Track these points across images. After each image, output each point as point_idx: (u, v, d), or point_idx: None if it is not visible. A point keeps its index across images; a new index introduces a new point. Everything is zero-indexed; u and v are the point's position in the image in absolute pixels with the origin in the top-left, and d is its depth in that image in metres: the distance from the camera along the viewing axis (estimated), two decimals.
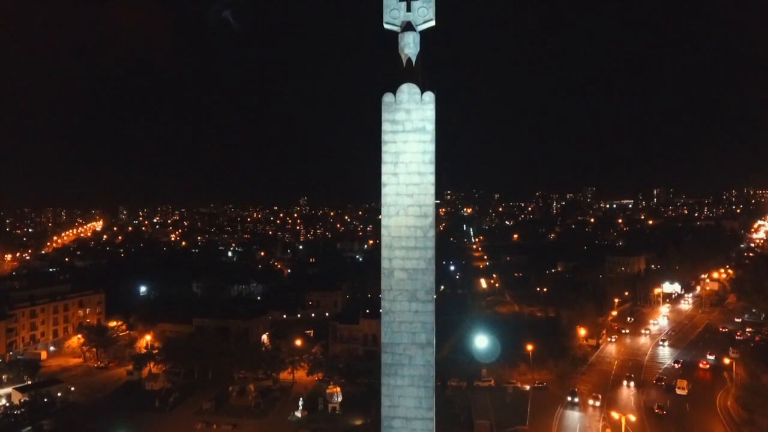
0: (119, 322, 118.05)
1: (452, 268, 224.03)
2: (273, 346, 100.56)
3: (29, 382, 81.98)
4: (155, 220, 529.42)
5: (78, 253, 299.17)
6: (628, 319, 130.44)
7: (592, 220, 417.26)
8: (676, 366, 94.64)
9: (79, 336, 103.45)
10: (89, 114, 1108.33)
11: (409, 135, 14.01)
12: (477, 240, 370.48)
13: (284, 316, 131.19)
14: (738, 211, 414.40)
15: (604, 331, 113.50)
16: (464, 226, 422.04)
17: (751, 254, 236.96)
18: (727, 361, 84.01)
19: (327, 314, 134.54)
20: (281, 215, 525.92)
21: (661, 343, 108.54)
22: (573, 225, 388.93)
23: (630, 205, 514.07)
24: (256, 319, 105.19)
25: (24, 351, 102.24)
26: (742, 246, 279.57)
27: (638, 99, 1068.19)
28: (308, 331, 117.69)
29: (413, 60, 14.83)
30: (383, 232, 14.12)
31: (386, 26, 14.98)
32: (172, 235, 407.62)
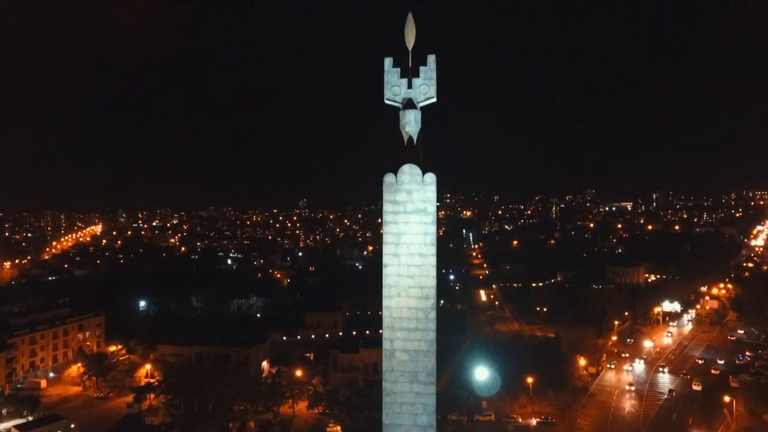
0: (119, 346, 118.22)
1: (452, 277, 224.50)
2: (273, 373, 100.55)
3: (30, 418, 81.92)
4: (154, 224, 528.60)
5: (77, 259, 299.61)
6: (628, 340, 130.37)
7: (592, 225, 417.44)
8: (700, 362, 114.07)
9: (79, 365, 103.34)
10: (88, 116, 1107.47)
11: (411, 216, 13.93)
12: (477, 246, 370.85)
13: (284, 338, 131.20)
14: (738, 215, 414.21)
15: (604, 357, 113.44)
16: (464, 230, 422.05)
17: (750, 265, 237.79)
18: (727, 398, 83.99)
19: (327, 335, 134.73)
20: (281, 218, 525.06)
21: (660, 369, 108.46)
22: (572, 231, 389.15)
23: (629, 208, 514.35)
24: (256, 346, 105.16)
25: (24, 379, 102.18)
26: (742, 253, 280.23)
27: (637, 100, 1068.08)
28: (308, 354, 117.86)
29: (414, 138, 14.73)
30: (384, 313, 13.99)
31: (387, 102, 14.93)
32: (172, 240, 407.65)
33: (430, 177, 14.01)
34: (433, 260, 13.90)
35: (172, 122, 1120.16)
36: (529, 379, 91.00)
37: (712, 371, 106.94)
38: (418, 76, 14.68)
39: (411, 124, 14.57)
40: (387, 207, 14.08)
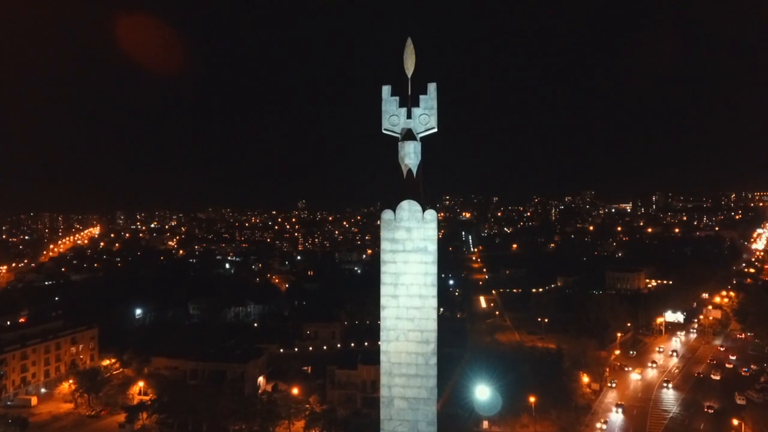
0: (113, 360, 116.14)
1: (451, 282, 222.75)
2: (269, 391, 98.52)
3: None
4: (153, 225, 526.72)
5: (74, 262, 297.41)
6: (631, 352, 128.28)
7: (591, 228, 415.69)
8: (722, 349, 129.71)
9: (71, 382, 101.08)
10: (87, 117, 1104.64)
11: (410, 255, 13.13)
12: (476, 250, 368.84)
13: (281, 350, 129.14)
14: (737, 217, 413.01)
15: (607, 370, 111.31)
16: (463, 233, 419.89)
17: (751, 270, 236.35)
18: (735, 422, 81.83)
19: (325, 347, 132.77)
20: (279, 220, 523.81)
21: (664, 385, 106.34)
22: (572, 234, 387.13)
23: (629, 209, 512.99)
24: (252, 361, 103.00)
25: (14, 396, 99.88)
26: (743, 257, 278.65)
27: (636, 100, 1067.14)
28: (306, 368, 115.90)
29: (414, 171, 13.89)
30: (382, 357, 13.16)
31: (385, 132, 14.12)
32: (170, 243, 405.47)
33: (431, 214, 13.21)
34: (433, 302, 13.13)
35: (171, 123, 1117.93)
36: (531, 399, 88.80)
37: (726, 365, 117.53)
38: (417, 106, 13.93)
39: (410, 156, 13.78)
40: (385, 245, 13.28)
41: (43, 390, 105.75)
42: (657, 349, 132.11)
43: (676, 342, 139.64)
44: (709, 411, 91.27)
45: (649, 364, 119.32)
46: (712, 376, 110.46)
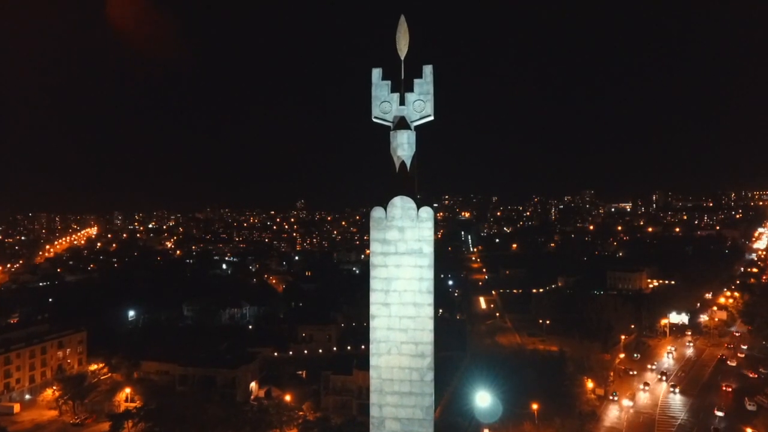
0: (101, 365, 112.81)
1: (450, 282, 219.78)
2: (261, 397, 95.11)
3: None
4: (150, 226, 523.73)
5: (71, 263, 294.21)
6: (635, 355, 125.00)
7: (591, 227, 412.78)
8: (737, 334, 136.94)
9: (55, 388, 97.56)
10: (86, 116, 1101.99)
11: (403, 258, 11.74)
12: (476, 249, 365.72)
13: (275, 354, 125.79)
14: (738, 216, 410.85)
15: (612, 374, 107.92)
16: (462, 233, 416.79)
17: (754, 270, 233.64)
18: (749, 430, 78.42)
19: (320, 351, 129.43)
20: (278, 220, 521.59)
21: (671, 389, 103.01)
22: (572, 234, 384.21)
23: (629, 209, 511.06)
24: (244, 366, 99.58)
25: None
26: (745, 257, 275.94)
27: (636, 100, 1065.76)
28: (300, 372, 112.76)
29: (407, 164, 12.51)
30: (372, 373, 11.84)
31: (375, 120, 12.78)
32: (168, 243, 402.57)
33: (427, 212, 11.82)
34: (429, 311, 11.77)
35: (171, 123, 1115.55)
36: (534, 405, 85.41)
37: (739, 354, 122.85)
38: (412, 91, 12.58)
39: (404, 147, 12.47)
40: (375, 247, 11.96)
41: (27, 396, 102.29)
42: (649, 366, 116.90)
43: (669, 358, 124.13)
44: (728, 389, 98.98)
45: (641, 387, 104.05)
46: (728, 362, 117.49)
